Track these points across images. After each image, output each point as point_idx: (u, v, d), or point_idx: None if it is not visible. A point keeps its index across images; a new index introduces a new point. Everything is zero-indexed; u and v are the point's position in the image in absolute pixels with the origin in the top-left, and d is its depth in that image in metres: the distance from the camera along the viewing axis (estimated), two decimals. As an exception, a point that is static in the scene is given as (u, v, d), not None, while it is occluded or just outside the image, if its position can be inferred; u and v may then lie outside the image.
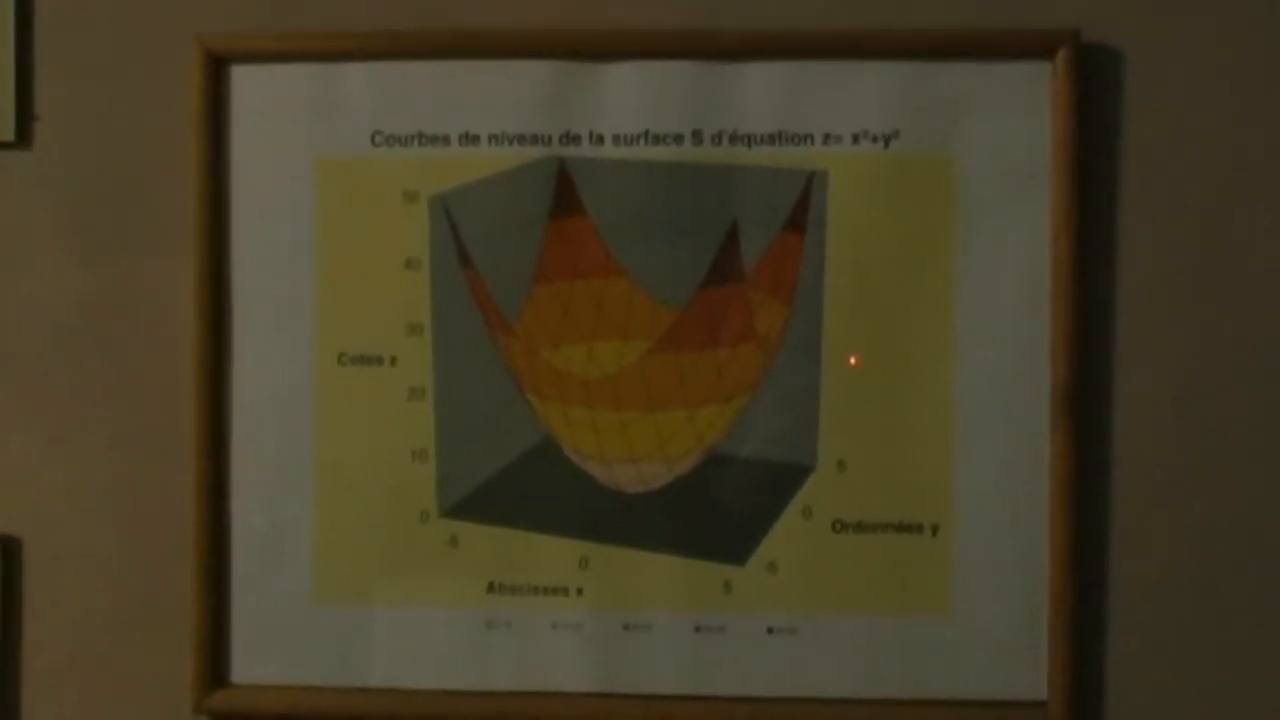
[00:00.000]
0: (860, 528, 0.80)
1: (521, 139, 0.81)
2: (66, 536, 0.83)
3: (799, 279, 0.80)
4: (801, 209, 0.80)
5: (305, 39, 0.81)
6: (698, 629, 0.81)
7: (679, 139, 0.80)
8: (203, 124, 0.81)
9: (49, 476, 0.83)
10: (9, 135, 0.82)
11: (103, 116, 0.82)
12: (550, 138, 0.80)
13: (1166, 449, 0.79)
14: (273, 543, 0.81)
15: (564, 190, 0.80)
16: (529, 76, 0.80)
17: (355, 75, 0.81)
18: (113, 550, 0.82)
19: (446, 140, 0.81)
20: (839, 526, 0.80)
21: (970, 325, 0.79)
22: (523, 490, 0.81)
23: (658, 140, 0.80)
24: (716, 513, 0.81)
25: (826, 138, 0.80)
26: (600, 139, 0.80)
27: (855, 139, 0.80)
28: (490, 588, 0.81)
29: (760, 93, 0.80)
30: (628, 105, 0.80)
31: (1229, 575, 0.79)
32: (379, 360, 0.81)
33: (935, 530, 0.79)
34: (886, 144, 0.79)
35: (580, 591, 0.81)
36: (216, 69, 0.81)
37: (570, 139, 0.80)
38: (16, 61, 0.82)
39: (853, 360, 0.80)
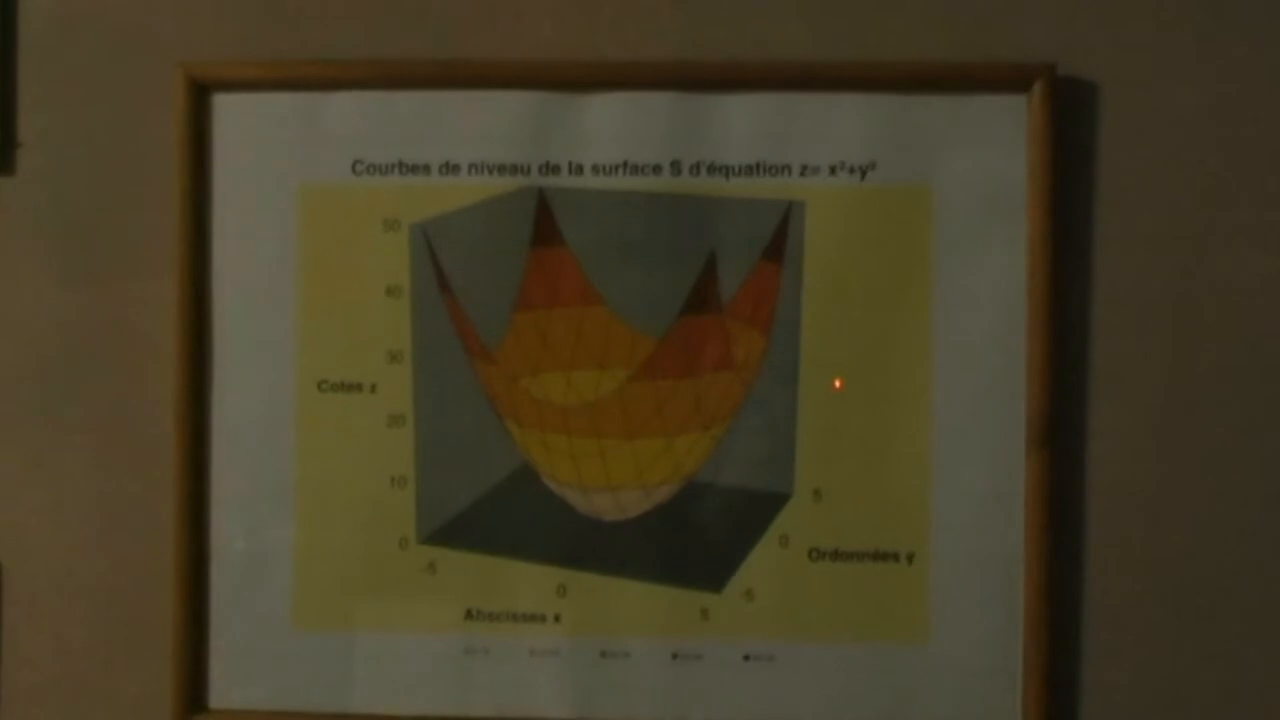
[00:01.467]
0: (837, 556, 0.80)
1: (502, 169, 0.81)
2: (46, 560, 0.83)
3: (776, 309, 0.80)
4: (779, 239, 0.80)
5: (288, 67, 0.82)
6: (675, 656, 0.81)
7: (658, 169, 0.81)
8: (185, 151, 0.81)
9: (29, 500, 0.83)
10: (-8, 160, 0.83)
11: (87, 143, 0.83)
12: (530, 167, 0.81)
13: (1142, 477, 0.80)
14: (253, 568, 0.82)
15: (544, 220, 0.81)
16: (510, 107, 0.81)
17: (337, 104, 0.81)
18: (93, 574, 0.83)
19: (427, 169, 0.81)
20: (816, 555, 0.80)
21: (947, 355, 0.80)
22: (501, 517, 0.81)
23: (637, 170, 0.81)
24: (694, 540, 0.81)
25: (804, 169, 0.80)
26: (580, 169, 0.81)
27: (833, 170, 0.80)
28: (469, 614, 0.81)
29: (738, 124, 0.80)
30: (607, 136, 0.81)
31: (1205, 603, 0.80)
32: (359, 387, 0.82)
33: (911, 558, 0.80)
34: (863, 175, 0.80)
35: (558, 618, 0.81)
36: (200, 96, 0.81)
37: (550, 169, 0.81)
38: (8, 89, 0.83)
39: (837, 384, 0.80)
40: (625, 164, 0.81)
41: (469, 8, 0.82)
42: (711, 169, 0.81)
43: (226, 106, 0.82)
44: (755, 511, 0.81)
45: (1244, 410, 0.80)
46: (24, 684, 0.83)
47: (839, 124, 0.80)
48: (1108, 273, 0.80)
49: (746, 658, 0.81)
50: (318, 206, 0.82)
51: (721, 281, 0.81)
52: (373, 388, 0.82)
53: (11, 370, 0.83)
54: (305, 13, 0.82)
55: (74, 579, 0.83)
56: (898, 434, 0.80)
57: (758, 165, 0.81)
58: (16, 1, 0.83)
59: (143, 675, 0.82)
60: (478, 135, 0.81)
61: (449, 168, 0.81)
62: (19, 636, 0.83)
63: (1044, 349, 0.79)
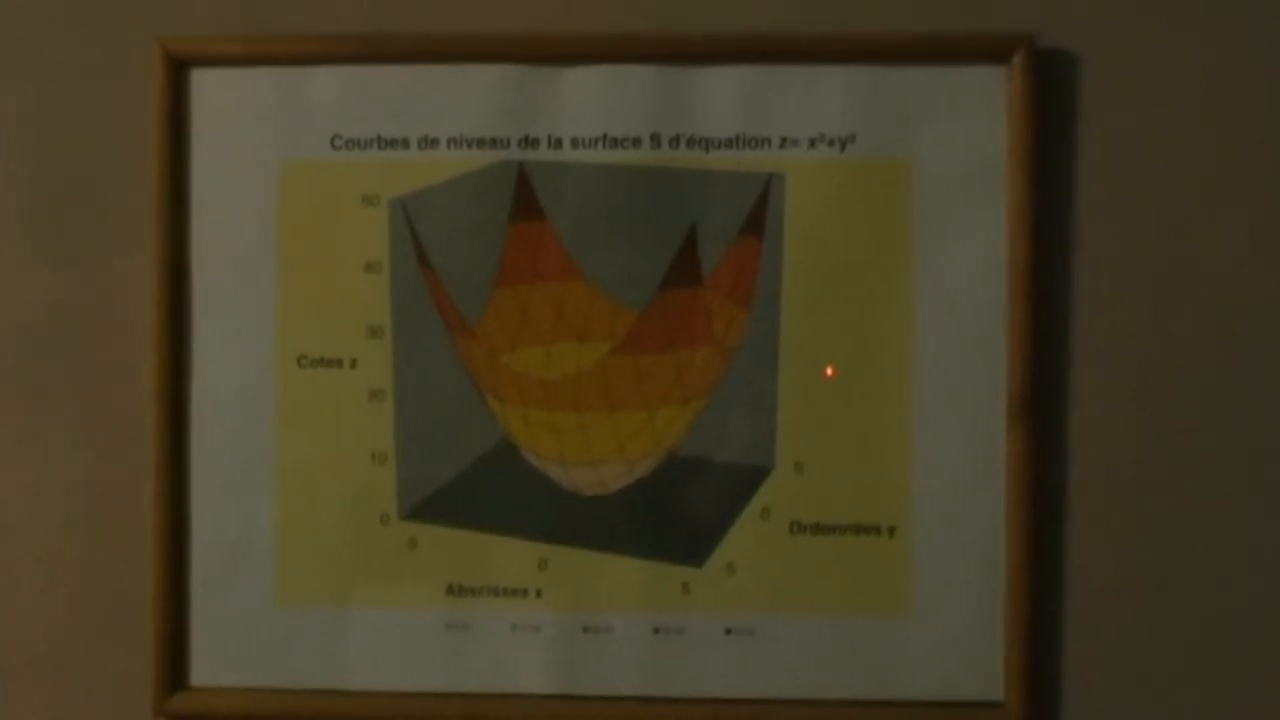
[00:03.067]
0: (818, 529, 0.80)
1: (481, 142, 0.81)
2: (27, 540, 0.83)
3: (757, 282, 0.80)
4: (759, 212, 0.80)
5: (266, 43, 0.81)
6: (656, 630, 0.81)
7: (637, 142, 0.81)
8: (163, 126, 0.81)
9: (9, 479, 0.83)
10: (-28, 138, 0.83)
11: (64, 119, 0.82)
12: (509, 141, 0.81)
13: (1122, 451, 0.80)
14: (234, 545, 0.82)
15: (523, 194, 0.81)
16: (488, 80, 0.81)
17: (315, 79, 0.81)
18: (73, 553, 0.83)
19: (406, 144, 0.81)
20: (797, 528, 0.80)
21: (928, 328, 0.80)
22: (482, 492, 0.81)
23: (617, 144, 0.81)
24: (675, 514, 0.81)
25: (784, 141, 0.80)
26: (559, 143, 0.81)
27: (812, 143, 0.80)
28: (450, 590, 0.81)
29: (718, 97, 0.80)
30: (586, 109, 0.81)
31: (1184, 576, 0.80)
32: (339, 363, 0.82)
33: (893, 531, 0.80)
34: (843, 148, 0.80)
35: (539, 593, 0.81)
36: (178, 72, 0.81)
37: (529, 143, 0.81)
38: (-20, 66, 0.83)
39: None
40: (605, 137, 0.81)
41: (446, -18, 0.82)
42: (691, 142, 0.81)
43: (204, 82, 0.82)
44: (737, 485, 0.81)
45: (1224, 383, 0.80)
46: (7, 664, 0.83)
47: (819, 96, 0.80)
48: (1089, 245, 0.80)
49: (728, 631, 0.81)
50: (296, 182, 0.81)
51: (702, 255, 0.80)
52: (353, 363, 0.81)
53: (-4, 346, 0.83)
54: (282, -13, 0.82)
55: (55, 558, 0.83)
56: (879, 407, 0.80)
57: (738, 138, 0.80)
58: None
59: (125, 654, 0.82)
60: (457, 109, 0.81)
61: (428, 142, 0.81)
62: (1, 615, 0.83)
63: (1025, 322, 0.79)
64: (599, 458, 0.81)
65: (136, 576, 0.81)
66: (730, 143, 0.80)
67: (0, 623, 0.83)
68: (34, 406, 0.83)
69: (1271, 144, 0.80)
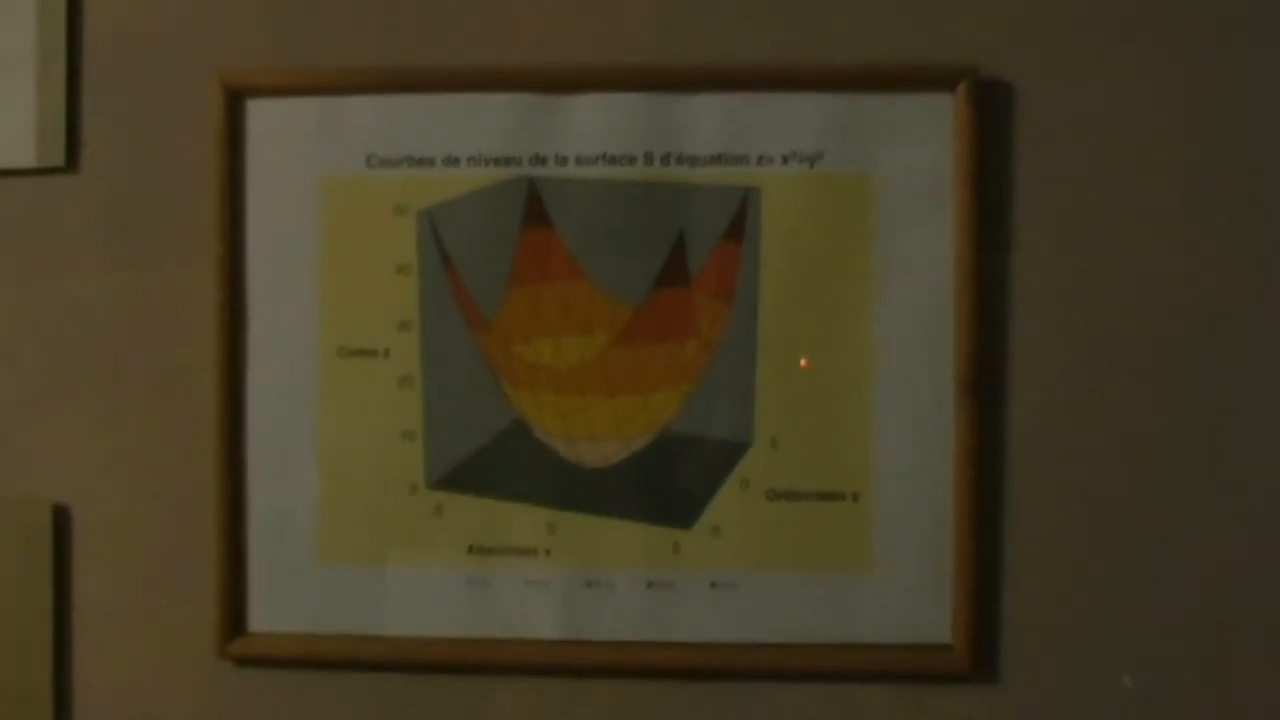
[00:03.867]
0: (791, 496, 0.92)
1: (496, 161, 0.93)
2: (108, 505, 0.95)
3: (738, 282, 0.92)
4: (739, 221, 0.92)
5: (309, 75, 0.93)
6: (650, 585, 0.92)
7: (633, 160, 0.92)
8: (222, 149, 0.93)
9: (92, 454, 0.95)
10: (60, 160, 0.94)
11: (137, 143, 0.94)
12: (521, 159, 0.93)
13: (1054, 425, 0.91)
14: (284, 511, 0.93)
15: (533, 205, 0.93)
16: (502, 106, 0.92)
17: (353, 106, 0.93)
18: (147, 516, 0.95)
19: (432, 162, 0.93)
20: (772, 495, 0.92)
21: (886, 320, 0.91)
22: (498, 465, 0.93)
23: (614, 161, 0.92)
24: (667, 484, 0.93)
25: (760, 158, 0.92)
26: (564, 160, 0.92)
27: (785, 160, 0.92)
28: (471, 550, 0.93)
29: (703, 120, 0.92)
30: (588, 131, 0.92)
31: (1111, 530, 0.91)
32: (374, 353, 0.93)
33: (856, 497, 0.91)
34: (812, 164, 0.91)
35: (549, 553, 0.93)
36: (234, 101, 0.93)
37: (539, 160, 0.93)
38: (67, 96, 0.95)
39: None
40: (604, 155, 0.92)
41: (467, 18, 0.93)
42: (680, 159, 0.92)
43: (257, 109, 0.93)
44: (720, 458, 0.92)
45: (1144, 363, 0.91)
46: (92, 613, 0.95)
47: (791, 119, 0.91)
48: (1025, 246, 0.91)
49: (713, 585, 0.92)
50: (336, 195, 0.93)
51: (689, 258, 0.92)
52: (385, 353, 0.93)
53: (75, 342, 0.95)
54: (324, 26, 0.94)
55: (131, 522, 0.95)
56: (844, 390, 0.91)
57: (720, 156, 0.92)
58: (82, 18, 0.95)
59: (192, 605, 0.94)
60: (475, 132, 0.92)
61: (450, 160, 0.93)
62: (87, 572, 0.95)
63: (970, 313, 0.90)
64: (601, 435, 0.93)
65: (201, 538, 0.93)
66: (713, 160, 0.92)
67: (84, 577, 0.95)
68: (113, 391, 0.95)
69: (1188, 161, 0.91)
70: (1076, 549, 0.92)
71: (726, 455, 0.92)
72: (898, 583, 0.91)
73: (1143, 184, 0.91)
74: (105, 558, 0.95)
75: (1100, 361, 0.91)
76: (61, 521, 0.95)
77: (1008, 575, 0.92)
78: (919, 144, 0.91)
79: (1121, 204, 0.91)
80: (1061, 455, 0.91)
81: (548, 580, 0.93)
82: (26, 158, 0.95)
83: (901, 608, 0.91)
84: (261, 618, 0.94)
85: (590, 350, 0.93)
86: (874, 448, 0.91)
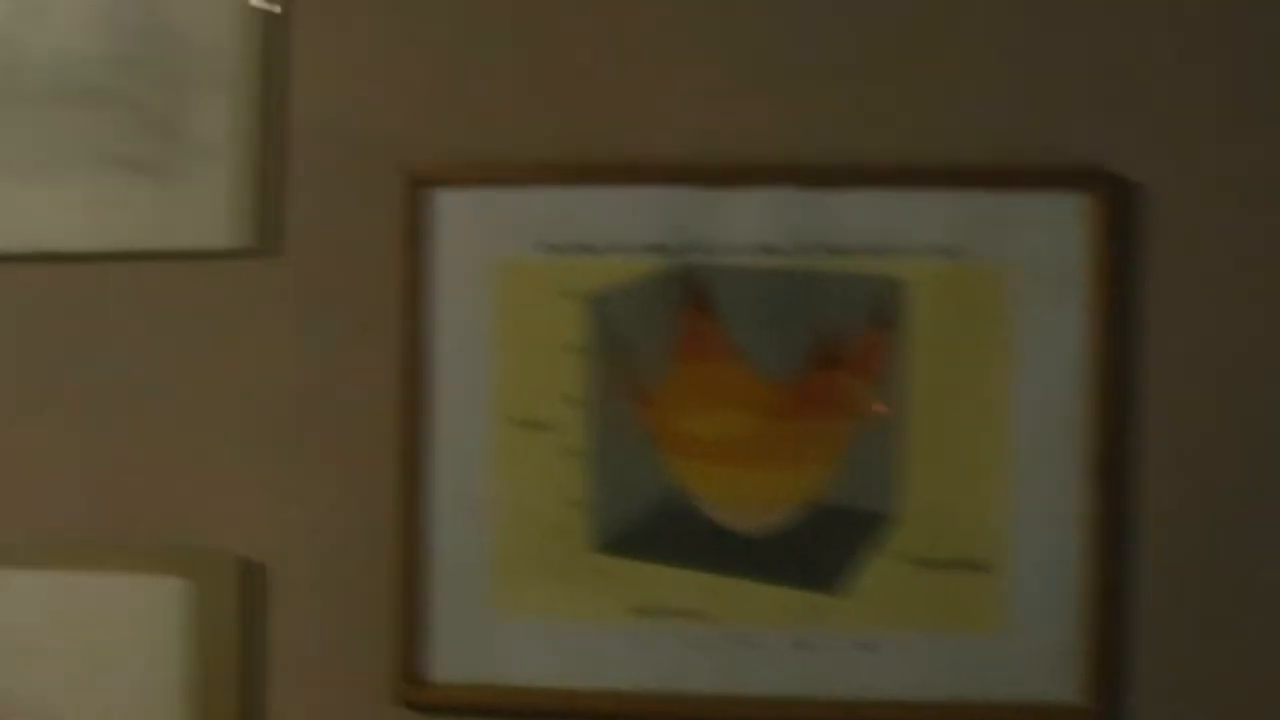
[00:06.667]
0: (929, 564, 0.99)
1: (659, 248, 1.00)
2: (297, 561, 1.02)
3: (884, 365, 0.99)
4: (885, 309, 0.99)
5: (488, 167, 1.01)
6: (798, 645, 0.99)
7: (786, 250, 0.99)
8: (406, 235, 1.00)
9: (287, 516, 1.03)
10: (255, 244, 1.02)
11: (328, 227, 1.02)
12: (683, 248, 0.99)
13: (1182, 506, 0.97)
14: (460, 567, 1.01)
15: (694, 290, 1.00)
16: (666, 199, 0.99)
17: (527, 196, 1.01)
18: (335, 574, 1.02)
19: (599, 249, 1.00)
20: (913, 563, 0.99)
21: (1022, 401, 0.97)
22: (658, 532, 1.00)
23: (770, 251, 0.99)
24: (815, 551, 1.00)
25: (904, 250, 0.99)
26: (722, 249, 0.99)
27: (929, 253, 0.98)
28: (634, 610, 1.00)
29: (852, 214, 0.98)
30: (744, 222, 0.99)
31: (1242, 597, 0.97)
32: (543, 425, 1.01)
33: (991, 566, 0.98)
34: (953, 257, 0.98)
35: (705, 613, 1.00)
36: (417, 191, 1.01)
37: (699, 249, 0.99)
38: (263, 183, 1.03)
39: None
40: (760, 245, 1.00)
41: (635, 114, 1.01)
42: (829, 250, 0.99)
43: (439, 198, 1.01)
44: (864, 528, 1.00)
45: (1258, 443, 0.98)
46: (287, 662, 1.03)
47: (933, 214, 0.98)
48: (1156, 338, 0.97)
49: (856, 646, 0.99)
50: (511, 279, 1.01)
51: (838, 343, 0.99)
52: (554, 425, 1.01)
53: (272, 413, 1.03)
54: (501, 121, 1.01)
55: (323, 577, 1.02)
56: (981, 466, 0.98)
57: (867, 248, 0.99)
58: (279, 109, 1.03)
59: (375, 654, 1.01)
60: (640, 221, 1.00)
61: (617, 247, 1.00)
62: (281, 624, 1.03)
63: (1100, 397, 0.96)
64: (754, 505, 1.00)
65: (384, 592, 1.01)
66: (862, 251, 0.99)
67: (283, 630, 1.03)
68: (307, 459, 1.02)
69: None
70: (1200, 614, 0.98)
71: (870, 525, 0.99)
72: (1029, 646, 0.98)
73: (1273, 280, 0.98)
74: (293, 610, 1.03)
75: (1222, 445, 0.98)
76: (252, 575, 1.03)
77: (1136, 638, 0.98)
78: (1053, 239, 0.97)
79: (1251, 297, 0.98)
80: (1189, 533, 0.98)
81: (704, 638, 1.00)
82: (224, 240, 1.03)
83: (1032, 669, 0.98)
84: (440, 668, 1.01)
85: (746, 425, 1.00)
86: (1010, 521, 0.98)
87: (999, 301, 0.98)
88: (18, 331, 1.05)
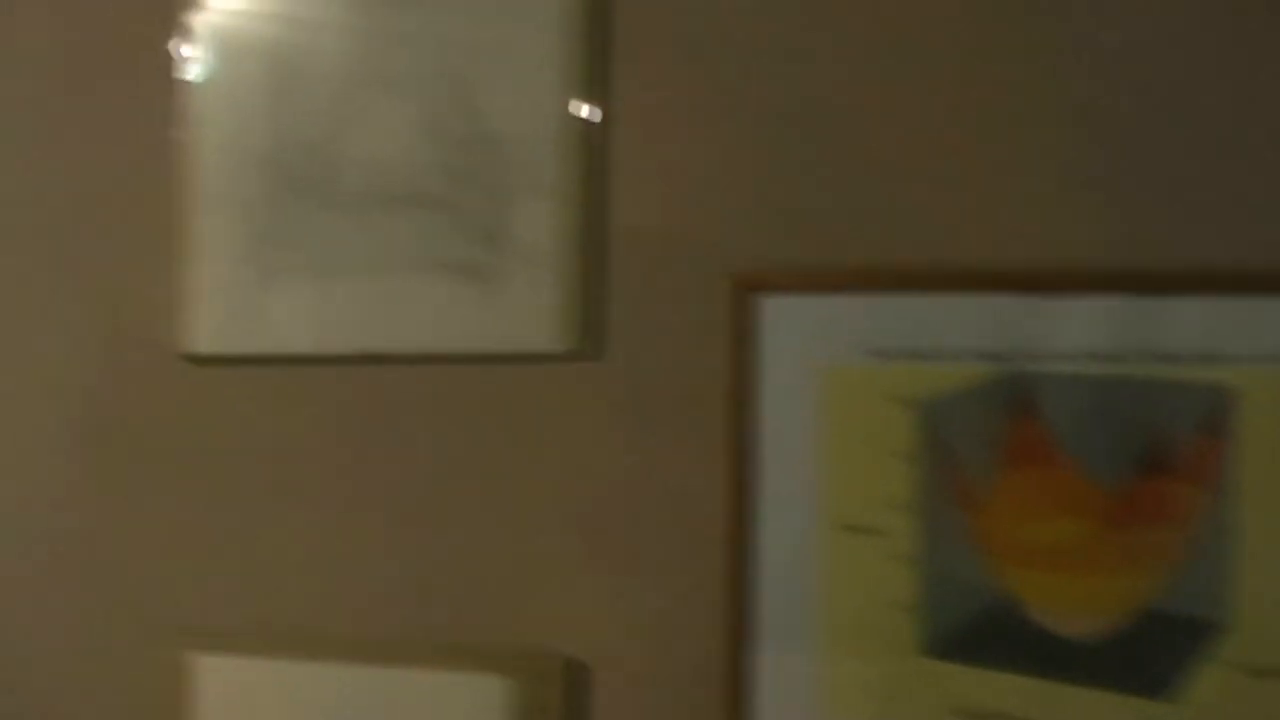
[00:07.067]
0: (1264, 673, 0.99)
1: (989, 355, 1.01)
2: (621, 662, 1.05)
3: (1217, 473, 0.99)
4: (1218, 416, 0.99)
5: (814, 274, 1.02)
6: (1128, 752, 1.00)
7: (1115, 358, 1.00)
8: (732, 340, 1.02)
9: (614, 614, 1.05)
10: (583, 347, 1.05)
11: (651, 332, 1.04)
12: (1011, 355, 1.00)
13: None
14: (787, 671, 1.02)
15: (1023, 397, 1.01)
16: (994, 306, 1.01)
17: (855, 303, 1.02)
18: (659, 672, 1.04)
19: (928, 356, 1.02)
20: (1248, 671, 0.99)
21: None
22: (986, 636, 1.01)
23: (1098, 358, 1.00)
24: (1145, 657, 1.00)
25: (1238, 357, 0.99)
26: (1051, 357, 1.00)
27: (1262, 360, 0.99)
28: (959, 712, 1.01)
29: (1182, 321, 0.99)
30: (1074, 329, 1.00)
31: None
32: (873, 530, 1.02)
33: (1330, 676, 0.98)
34: (1288, 364, 0.99)
35: (1031, 719, 1.01)
36: (744, 297, 1.03)
37: (1027, 356, 1.00)
38: (591, 287, 1.05)
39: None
40: (1088, 352, 1.00)
41: (961, 222, 1.02)
42: (1159, 357, 0.99)
43: (765, 304, 1.03)
44: (1197, 635, 0.99)
45: None
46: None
47: (1265, 321, 0.99)
48: None
49: (1191, 755, 1.00)
50: (838, 385, 1.02)
51: (1169, 449, 0.99)
52: (882, 531, 1.02)
53: (597, 515, 1.05)
54: (827, 228, 1.03)
55: (646, 679, 1.04)
56: (1322, 574, 0.98)
57: (1198, 355, 0.99)
58: (606, 214, 1.05)
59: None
60: (968, 329, 1.01)
61: (945, 354, 1.01)
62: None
63: None
64: (1084, 611, 1.00)
65: (710, 692, 1.02)
66: (1192, 359, 0.99)
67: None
68: (634, 558, 1.05)
69: None
70: None
71: (1203, 632, 0.99)
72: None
73: None
74: (616, 712, 1.05)
75: None
76: (576, 675, 1.04)
77: None
78: (1395, 345, 0.98)
79: None
80: None
81: (1032, 743, 1.01)
82: (548, 344, 1.05)
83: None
84: (769, 777, 1.03)
85: (1077, 532, 1.00)
86: (1350, 631, 0.98)
87: (1337, 408, 0.98)
88: (343, 432, 1.07)
